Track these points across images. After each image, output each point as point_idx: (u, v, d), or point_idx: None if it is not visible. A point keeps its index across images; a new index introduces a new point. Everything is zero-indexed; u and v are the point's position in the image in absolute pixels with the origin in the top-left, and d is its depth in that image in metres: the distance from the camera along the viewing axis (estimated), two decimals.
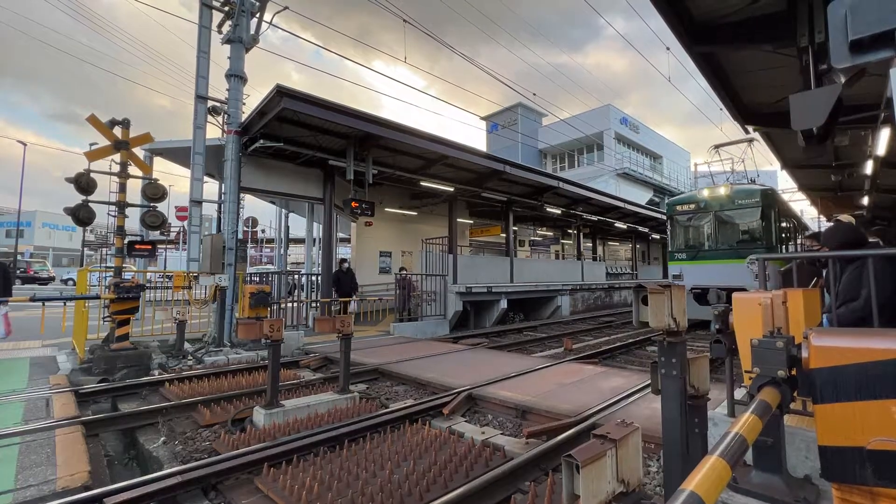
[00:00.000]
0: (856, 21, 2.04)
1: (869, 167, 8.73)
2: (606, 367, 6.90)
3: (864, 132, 7.18)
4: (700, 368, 2.23)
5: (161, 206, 7.85)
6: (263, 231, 36.83)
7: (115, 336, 6.54)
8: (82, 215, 6.77)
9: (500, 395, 4.89)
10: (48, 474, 3.04)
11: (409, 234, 16.74)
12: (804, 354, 1.49)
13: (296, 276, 12.63)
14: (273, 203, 16.98)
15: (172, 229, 29.68)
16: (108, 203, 7.79)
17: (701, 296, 10.28)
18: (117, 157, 7.08)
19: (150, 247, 8.16)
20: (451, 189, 13.02)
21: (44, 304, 6.87)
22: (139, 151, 8.15)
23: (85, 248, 33.02)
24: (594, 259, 25.35)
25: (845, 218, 4.69)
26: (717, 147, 12.58)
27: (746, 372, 2.36)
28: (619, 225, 22.00)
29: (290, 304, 10.24)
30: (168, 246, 29.76)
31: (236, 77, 8.94)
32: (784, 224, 11.41)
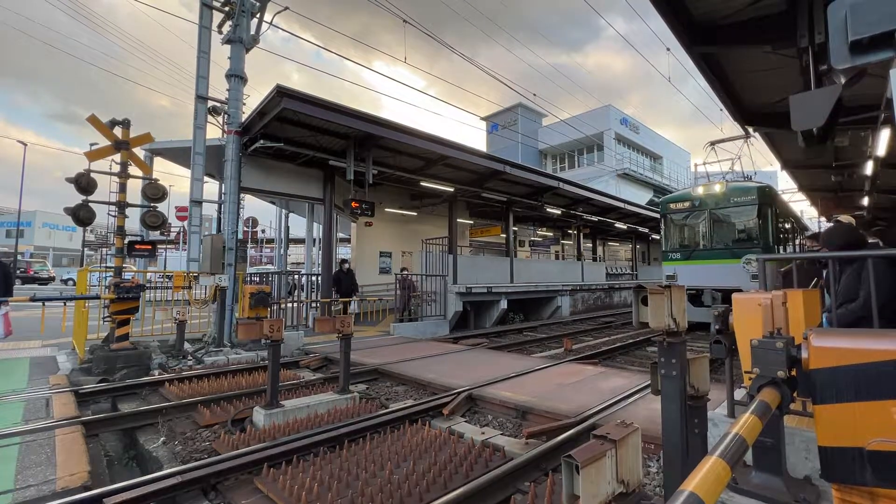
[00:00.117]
0: (856, 22, 2.04)
1: (869, 168, 8.73)
2: (606, 367, 6.90)
3: (864, 133, 7.19)
4: (700, 369, 2.23)
5: (161, 207, 7.85)
6: (263, 231, 36.84)
7: (115, 336, 6.55)
8: (82, 215, 6.77)
9: (500, 396, 4.89)
10: (48, 474, 3.04)
11: (410, 234, 16.74)
12: (804, 355, 1.49)
13: (296, 277, 12.62)
14: (273, 203, 16.98)
15: (172, 229, 29.69)
16: (109, 203, 7.79)
17: (695, 297, 9.94)
18: (117, 157, 7.09)
19: (150, 247, 8.15)
20: (451, 189, 13.02)
21: (44, 304, 6.88)
22: (139, 151, 8.15)
23: (85, 248, 33.02)
24: (594, 259, 25.34)
25: (845, 218, 4.69)
26: (712, 144, 12.21)
27: (746, 372, 2.36)
28: (620, 225, 22.00)
29: (290, 305, 10.24)
30: (168, 246, 29.77)
31: (236, 77, 8.94)
32: (782, 223, 11.12)
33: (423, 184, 12.39)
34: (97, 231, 38.67)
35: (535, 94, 18.92)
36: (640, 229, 23.77)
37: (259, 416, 4.33)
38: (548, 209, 16.61)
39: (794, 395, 1.52)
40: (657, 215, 13.09)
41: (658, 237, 25.22)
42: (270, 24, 9.50)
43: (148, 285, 10.59)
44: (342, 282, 10.94)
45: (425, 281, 11.86)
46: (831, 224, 4.18)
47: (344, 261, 11.98)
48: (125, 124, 7.13)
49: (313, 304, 11.14)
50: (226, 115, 9.08)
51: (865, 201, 13.44)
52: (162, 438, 4.17)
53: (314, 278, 11.42)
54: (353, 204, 10.76)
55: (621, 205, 19.03)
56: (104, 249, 32.86)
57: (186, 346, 7.97)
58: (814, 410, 1.48)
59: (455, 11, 21.95)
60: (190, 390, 5.44)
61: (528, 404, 4.58)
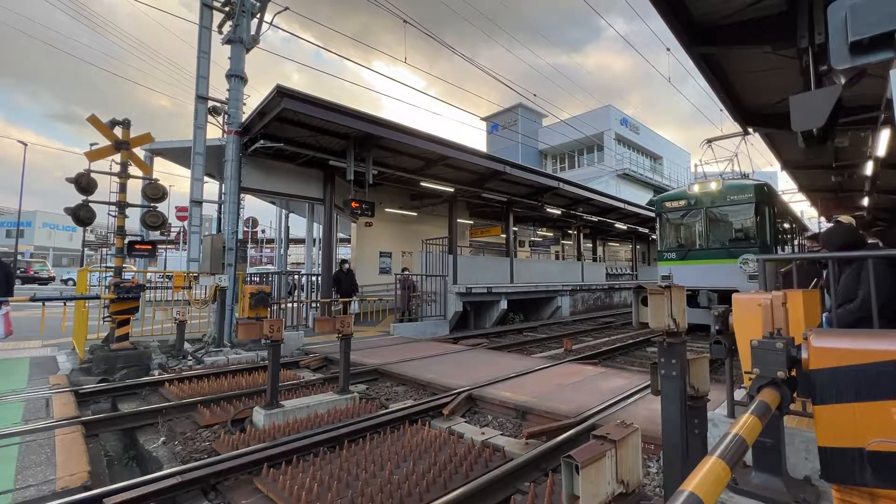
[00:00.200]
0: (856, 22, 2.04)
1: (869, 168, 8.73)
2: (606, 367, 6.90)
3: (864, 133, 7.19)
4: (700, 369, 2.23)
5: (161, 207, 7.85)
6: (263, 231, 36.85)
7: (115, 336, 6.55)
8: (83, 215, 6.77)
9: (500, 396, 4.89)
10: (48, 474, 3.04)
11: (410, 234, 16.74)
12: (804, 355, 1.49)
13: (296, 277, 12.63)
14: (273, 203, 16.99)
15: (173, 229, 29.70)
16: (109, 203, 7.79)
17: (691, 298, 9.74)
18: (118, 157, 7.09)
19: (150, 247, 8.15)
20: (452, 189, 13.02)
21: (44, 304, 6.88)
22: (139, 151, 8.15)
23: (85, 248, 33.03)
24: (594, 260, 25.35)
25: (845, 219, 4.69)
26: (709, 142, 11.87)
27: (746, 373, 2.36)
28: (620, 226, 22.01)
29: (290, 305, 10.24)
30: (168, 246, 29.78)
31: (237, 77, 8.94)
32: (780, 222, 10.84)
33: (423, 184, 12.39)
34: (97, 231, 38.69)
35: (535, 95, 18.93)
36: (640, 230, 23.77)
37: (259, 416, 4.33)
38: (548, 209, 16.61)
39: (794, 395, 1.52)
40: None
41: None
42: (271, 24, 9.51)
43: (148, 285, 10.59)
44: (342, 282, 10.94)
45: (425, 281, 11.86)
46: (831, 224, 4.18)
47: (344, 261, 11.98)
48: (125, 124, 7.14)
49: (313, 305, 11.14)
50: (226, 116, 9.08)
51: (865, 202, 13.44)
52: (162, 438, 4.17)
53: (314, 278, 11.43)
54: (353, 204, 10.77)
55: (621, 205, 19.04)
56: (104, 249, 32.87)
57: (186, 346, 7.97)
58: (814, 411, 1.48)
59: (455, 12, 21.96)
60: (190, 390, 5.44)
61: (528, 404, 4.58)
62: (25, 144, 25.70)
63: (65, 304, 7.02)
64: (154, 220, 7.43)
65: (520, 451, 3.58)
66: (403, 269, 11.86)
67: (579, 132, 28.94)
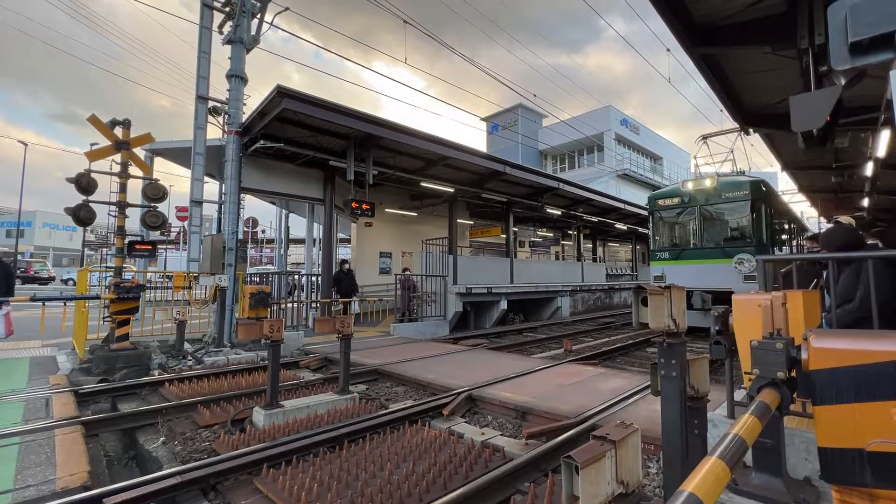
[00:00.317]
0: (856, 23, 2.04)
1: (869, 169, 8.73)
2: (606, 368, 6.90)
3: (864, 134, 7.20)
4: (700, 370, 2.23)
5: (161, 207, 7.85)
6: (264, 231, 36.85)
7: (114, 336, 6.55)
8: (83, 215, 6.77)
9: (500, 396, 4.89)
10: (48, 474, 3.04)
11: (410, 234, 16.75)
12: (804, 356, 1.50)
13: (296, 277, 12.63)
14: (273, 203, 16.99)
15: (173, 229, 29.71)
16: (109, 203, 7.79)
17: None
18: (118, 157, 7.09)
19: (150, 247, 8.15)
20: (452, 190, 13.02)
21: (44, 304, 6.87)
22: (140, 152, 8.15)
23: (85, 248, 33.05)
24: (594, 260, 25.35)
25: (845, 219, 4.69)
26: (704, 138, 11.49)
27: (746, 373, 2.36)
28: (620, 226, 22.01)
29: (290, 305, 10.24)
30: (168, 246, 29.79)
31: (237, 77, 8.94)
32: (777, 221, 10.54)
33: (423, 184, 12.40)
34: (97, 231, 38.71)
35: (535, 95, 18.94)
36: (641, 230, 23.75)
37: (259, 416, 4.33)
38: (548, 210, 16.62)
39: (794, 395, 1.52)
40: None
41: None
42: (271, 24, 9.51)
43: (148, 285, 10.59)
44: (342, 282, 10.94)
45: (425, 281, 11.87)
46: (831, 225, 4.18)
47: (344, 261, 11.98)
48: (125, 124, 7.14)
49: (313, 305, 11.14)
50: (226, 116, 9.08)
51: (865, 202, 13.45)
52: (162, 438, 4.17)
53: (314, 278, 11.43)
54: (354, 204, 10.76)
55: (621, 205, 19.04)
56: (104, 249, 32.88)
57: (186, 346, 7.97)
58: (813, 411, 1.48)
59: (455, 12, 21.96)
60: (190, 390, 5.44)
61: (528, 405, 4.58)
62: (26, 144, 25.72)
63: (65, 304, 7.02)
64: (154, 220, 7.43)
65: (520, 451, 3.58)
66: (404, 270, 11.86)
67: (579, 132, 28.95)
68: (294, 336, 8.41)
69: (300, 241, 23.52)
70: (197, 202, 8.92)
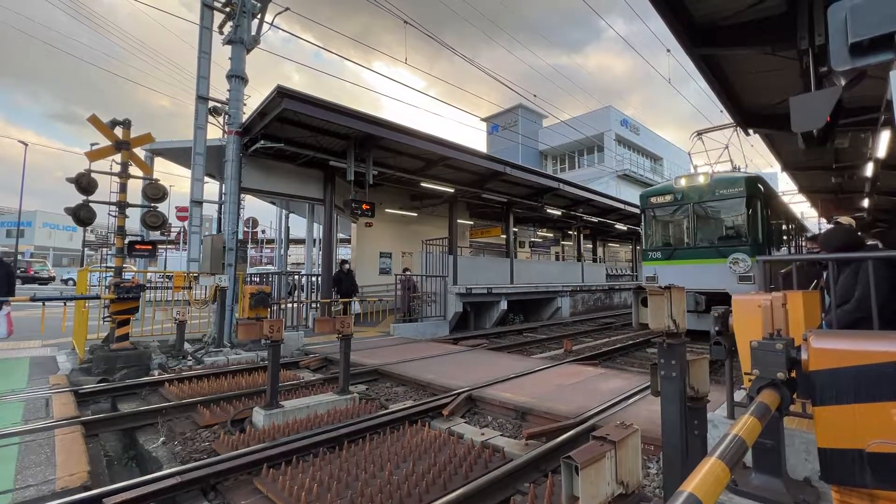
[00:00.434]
0: (856, 24, 2.04)
1: (869, 169, 8.73)
2: (606, 368, 6.90)
3: (865, 134, 7.20)
4: (700, 370, 2.23)
5: (161, 207, 7.85)
6: (264, 231, 36.88)
7: (114, 336, 6.55)
8: (83, 215, 6.77)
9: (500, 397, 4.89)
10: (47, 474, 3.04)
11: (410, 235, 16.75)
12: (803, 356, 1.50)
13: (296, 277, 12.63)
14: (273, 203, 16.99)
15: (173, 229, 29.72)
16: (109, 203, 7.79)
17: None
18: (118, 157, 7.09)
19: (150, 247, 8.15)
20: (452, 190, 13.02)
21: (44, 304, 6.88)
22: (140, 152, 8.15)
23: (85, 248, 33.05)
24: (594, 260, 25.35)
25: (845, 220, 4.68)
26: (699, 134, 11.00)
27: (746, 374, 2.36)
28: (620, 226, 22.01)
29: (290, 305, 10.24)
30: (168, 246, 29.79)
31: (237, 78, 8.95)
32: (774, 219, 10.16)
33: (423, 184, 12.40)
34: (97, 231, 38.71)
35: (535, 96, 18.96)
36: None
37: (259, 416, 4.33)
38: (548, 210, 16.62)
39: (794, 396, 1.52)
40: None
41: None
42: (271, 24, 9.52)
43: (148, 285, 10.59)
44: (342, 282, 10.94)
45: (425, 282, 11.87)
46: (830, 226, 4.18)
47: (344, 261, 11.98)
48: (126, 124, 7.14)
49: (313, 305, 11.14)
50: (226, 116, 9.09)
51: (866, 203, 13.45)
52: (161, 439, 4.17)
53: (314, 279, 11.43)
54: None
55: (621, 206, 19.04)
56: (104, 249, 32.88)
57: (186, 346, 7.97)
58: (813, 412, 1.48)
59: (455, 12, 21.98)
60: (190, 390, 5.44)
61: (528, 405, 4.58)
62: (26, 144, 25.73)
63: (65, 304, 7.02)
64: (154, 220, 7.43)
65: (519, 451, 3.58)
66: (404, 270, 11.86)
67: (579, 133, 28.97)
68: (294, 336, 8.41)
69: (300, 242, 23.53)
70: (197, 202, 8.93)
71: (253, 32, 9.25)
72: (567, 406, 4.50)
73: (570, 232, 23.00)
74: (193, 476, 3.04)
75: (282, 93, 7.91)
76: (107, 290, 7.17)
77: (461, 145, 11.18)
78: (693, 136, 11.17)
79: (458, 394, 5.02)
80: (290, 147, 9.72)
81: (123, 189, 7.17)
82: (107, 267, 11.57)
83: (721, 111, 7.31)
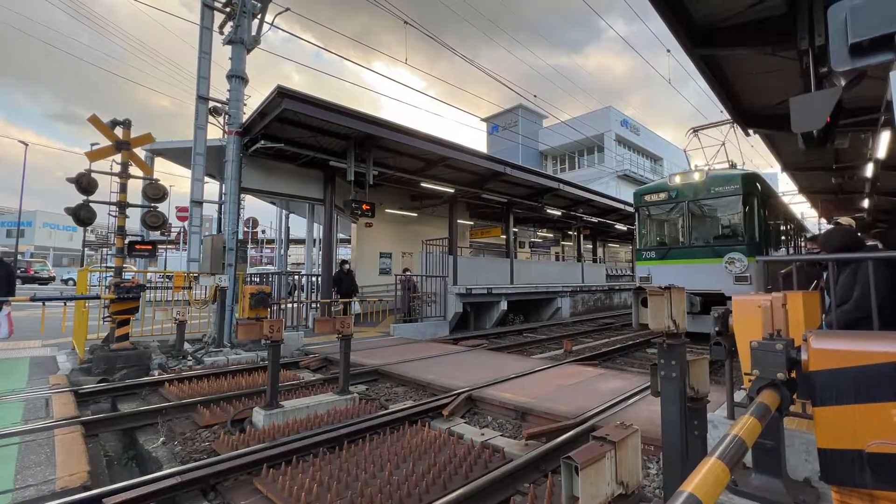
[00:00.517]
0: (856, 24, 2.04)
1: (869, 170, 8.73)
2: (606, 368, 6.89)
3: (865, 135, 7.19)
4: (699, 370, 2.23)
5: (162, 207, 7.86)
6: (264, 231, 36.89)
7: (115, 336, 6.55)
8: (83, 215, 6.78)
9: (500, 397, 4.89)
10: (47, 474, 3.04)
11: (410, 235, 16.75)
12: (803, 357, 1.50)
13: (296, 277, 12.63)
14: (273, 204, 16.99)
15: (173, 229, 29.73)
16: (109, 203, 7.79)
17: None
18: (118, 157, 7.09)
19: (150, 247, 8.15)
20: (452, 190, 13.02)
21: (44, 304, 6.88)
22: (140, 152, 8.16)
23: (85, 248, 33.06)
24: (594, 261, 25.35)
25: (845, 221, 4.69)
26: (695, 131, 10.74)
27: (746, 374, 2.36)
28: (620, 227, 22.01)
29: (290, 305, 10.24)
30: (168, 246, 29.79)
31: (237, 78, 8.95)
32: (772, 218, 9.92)
33: (423, 185, 12.40)
34: (98, 231, 38.73)
35: (535, 96, 18.97)
36: None
37: (259, 416, 4.33)
38: (548, 210, 16.62)
39: (794, 396, 1.52)
40: None
41: None
42: (271, 25, 9.52)
43: (148, 285, 10.59)
44: (342, 282, 10.94)
45: (425, 282, 11.87)
46: (830, 226, 4.19)
47: (344, 261, 11.98)
48: (126, 124, 7.14)
49: (313, 305, 11.14)
50: (226, 116, 9.09)
51: (866, 203, 13.45)
52: (161, 439, 4.17)
53: (314, 279, 11.43)
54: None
55: (621, 206, 19.04)
56: (104, 249, 32.89)
57: (186, 346, 7.97)
58: (813, 412, 1.48)
59: (455, 12, 21.98)
60: (190, 390, 5.44)
61: (528, 405, 4.58)
62: (26, 144, 25.74)
63: (65, 304, 7.02)
64: (154, 221, 7.43)
65: (519, 452, 3.58)
66: (405, 270, 11.85)
67: (580, 133, 28.98)
68: (294, 336, 8.41)
69: (300, 242, 23.53)
70: (197, 202, 8.93)
71: (253, 32, 9.25)
72: (567, 406, 4.50)
73: (570, 232, 23.01)
74: (193, 476, 3.04)
75: (282, 93, 7.91)
76: (107, 290, 7.17)
77: (461, 145, 11.18)
78: (689, 133, 10.90)
79: (458, 394, 5.02)
80: (291, 147, 9.72)
81: (123, 189, 7.17)
82: (107, 267, 11.57)
83: (721, 111, 7.31)
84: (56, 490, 2.84)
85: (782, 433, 2.22)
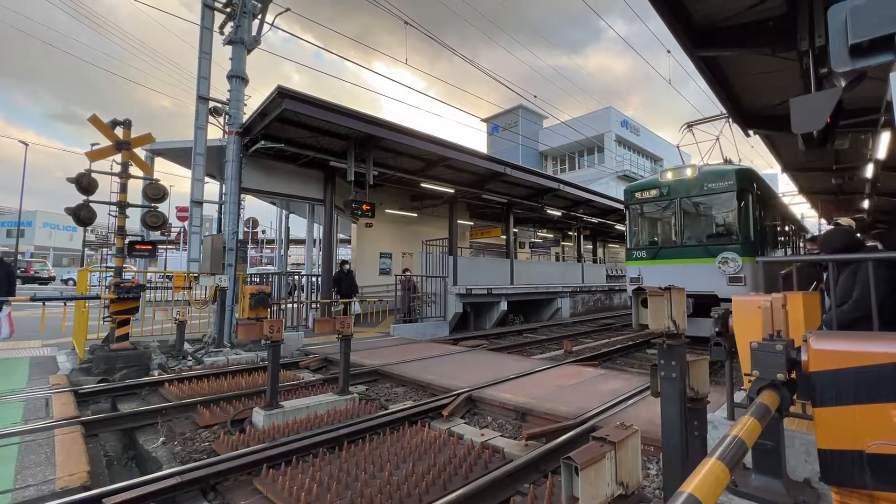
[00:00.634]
0: (856, 25, 2.05)
1: (869, 171, 8.74)
2: (606, 369, 6.89)
3: (865, 136, 7.20)
4: (699, 371, 2.23)
5: (162, 207, 7.86)
6: (264, 232, 36.89)
7: (114, 336, 6.55)
8: (83, 215, 6.78)
9: (500, 397, 4.89)
10: (47, 474, 3.04)
11: (410, 235, 16.75)
12: (803, 357, 1.50)
13: (296, 277, 12.63)
14: (274, 204, 17.00)
15: (173, 230, 29.73)
16: (109, 203, 7.79)
17: None
18: (118, 157, 7.10)
19: (150, 247, 8.15)
20: (452, 190, 13.03)
21: (44, 304, 6.88)
22: (140, 152, 8.16)
23: (85, 248, 33.07)
24: (594, 261, 25.35)
25: (845, 221, 4.69)
26: (689, 126, 10.40)
27: (746, 375, 2.36)
28: (620, 227, 22.00)
29: (290, 305, 10.24)
30: (168, 246, 29.80)
31: (237, 78, 8.95)
32: (768, 216, 9.58)
33: (423, 185, 12.41)
34: (98, 231, 38.73)
35: (535, 96, 18.98)
36: None
37: (258, 416, 4.33)
38: (548, 211, 16.63)
39: (794, 397, 1.52)
40: None
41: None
42: (272, 25, 9.53)
43: (148, 285, 10.59)
44: (342, 282, 10.94)
45: (425, 282, 11.87)
46: (830, 227, 4.19)
47: (344, 262, 11.99)
48: (126, 124, 7.15)
49: (313, 305, 11.14)
50: (227, 116, 9.10)
51: (866, 204, 13.46)
52: (161, 439, 4.17)
53: (314, 279, 11.43)
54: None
55: (621, 206, 19.02)
56: (104, 249, 32.88)
57: (186, 346, 7.97)
58: (813, 413, 1.48)
59: (455, 13, 22.00)
60: (190, 391, 5.44)
61: (528, 406, 4.58)
62: (26, 144, 25.75)
63: (65, 304, 7.02)
64: (154, 221, 7.43)
65: (519, 452, 3.58)
66: (404, 270, 11.85)
67: (580, 134, 29.00)
68: (294, 336, 8.41)
69: (300, 242, 23.52)
70: (197, 202, 8.93)
71: (253, 33, 9.26)
72: (567, 407, 4.50)
73: (570, 232, 23.02)
74: (193, 476, 3.04)
75: (282, 93, 7.91)
76: (107, 290, 7.17)
77: (461, 146, 11.18)
78: (683, 129, 10.57)
79: (458, 394, 5.02)
80: (291, 147, 9.72)
81: (124, 189, 7.17)
82: (107, 267, 11.57)
83: (721, 112, 7.31)
84: (56, 490, 2.84)
85: (782, 434, 2.22)
